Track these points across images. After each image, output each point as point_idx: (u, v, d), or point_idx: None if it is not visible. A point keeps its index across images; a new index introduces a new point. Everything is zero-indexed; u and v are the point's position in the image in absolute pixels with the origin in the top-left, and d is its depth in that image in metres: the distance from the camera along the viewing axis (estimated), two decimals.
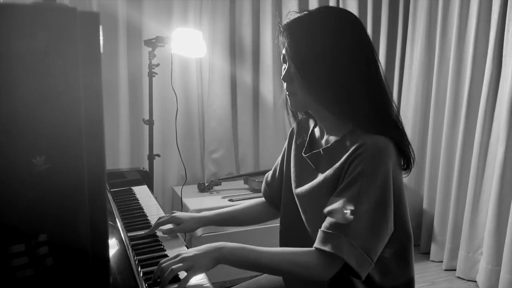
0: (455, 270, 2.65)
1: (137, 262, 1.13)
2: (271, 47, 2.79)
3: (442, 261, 2.75)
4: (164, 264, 0.96)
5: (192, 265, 0.94)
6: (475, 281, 2.54)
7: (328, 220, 0.96)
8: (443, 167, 2.72)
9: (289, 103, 1.07)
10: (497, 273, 2.38)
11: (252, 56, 2.82)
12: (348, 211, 0.93)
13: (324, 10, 1.03)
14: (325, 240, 0.94)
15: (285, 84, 1.05)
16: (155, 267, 1.10)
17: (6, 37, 0.47)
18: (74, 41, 0.47)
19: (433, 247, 2.82)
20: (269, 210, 1.36)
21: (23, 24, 0.47)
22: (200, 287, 1.01)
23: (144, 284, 0.96)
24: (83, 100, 0.52)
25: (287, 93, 1.06)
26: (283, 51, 1.03)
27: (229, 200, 2.46)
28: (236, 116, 2.85)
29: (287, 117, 1.20)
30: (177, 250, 1.21)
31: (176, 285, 0.95)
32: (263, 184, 1.36)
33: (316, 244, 0.96)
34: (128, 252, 1.11)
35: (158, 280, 0.97)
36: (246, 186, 2.70)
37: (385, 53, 3.00)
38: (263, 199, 1.37)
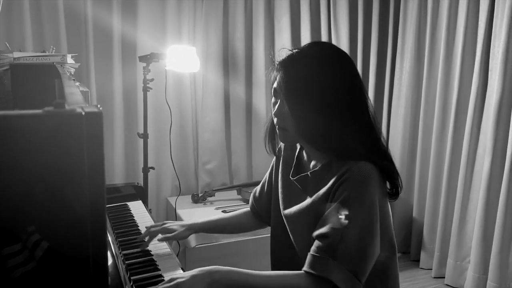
0: (444, 277, 2.71)
1: (132, 282, 1.18)
2: (264, 60, 2.84)
3: (431, 269, 2.81)
4: None
5: None
6: None
7: (317, 244, 1.00)
8: (432, 177, 2.78)
9: (279, 137, 1.11)
10: (483, 281, 2.44)
11: (245, 69, 2.87)
12: (336, 236, 0.97)
13: (317, 48, 1.08)
14: (314, 263, 0.98)
15: (275, 119, 1.08)
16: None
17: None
18: (81, 140, 0.54)
19: (422, 255, 2.88)
20: (255, 221, 1.41)
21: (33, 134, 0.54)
22: None
23: None
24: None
25: (277, 127, 1.09)
26: (275, 85, 1.06)
27: (223, 211, 2.50)
28: (229, 128, 2.90)
29: (265, 148, 1.23)
30: (171, 272, 1.26)
31: None
32: (251, 199, 1.40)
33: (305, 267, 1.00)
34: (118, 264, 1.15)
35: None
36: (239, 196, 2.75)
37: (376, 64, 3.06)
38: (248, 209, 1.43)
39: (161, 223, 1.41)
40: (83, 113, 0.53)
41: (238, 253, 2.39)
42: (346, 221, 0.97)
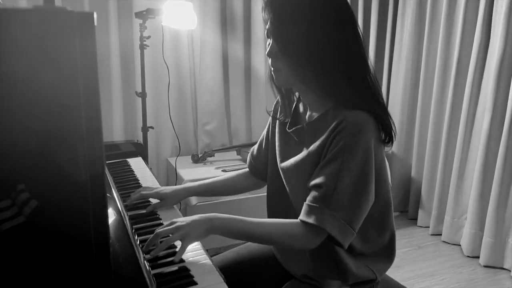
0: (441, 235, 2.76)
1: (133, 230, 1.19)
2: (262, 21, 2.78)
3: (428, 227, 2.86)
4: (159, 231, 1.01)
5: (186, 234, 0.99)
6: (459, 245, 2.66)
7: (312, 194, 1.01)
8: (431, 137, 2.78)
9: (274, 79, 1.09)
10: (479, 237, 2.49)
11: (244, 28, 2.82)
12: (331, 185, 0.97)
13: None
14: (309, 212, 0.99)
15: (270, 60, 1.06)
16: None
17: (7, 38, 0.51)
18: (71, 39, 0.52)
19: (420, 213, 2.92)
20: (252, 181, 1.40)
21: (24, 27, 0.51)
22: (195, 255, 1.06)
23: (141, 253, 1.01)
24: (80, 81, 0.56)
25: (271, 68, 1.08)
26: (267, 26, 1.04)
27: (223, 171, 2.51)
28: (228, 89, 2.88)
29: (273, 92, 1.20)
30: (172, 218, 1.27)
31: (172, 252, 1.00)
32: (249, 157, 1.40)
33: (301, 217, 1.01)
34: (125, 222, 1.16)
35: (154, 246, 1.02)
36: (239, 157, 2.75)
37: (377, 24, 3.00)
38: (245, 170, 1.42)
39: (155, 187, 1.39)
40: (74, 11, 0.51)
41: (239, 210, 2.41)
42: (341, 171, 0.97)
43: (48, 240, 0.61)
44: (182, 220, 1.03)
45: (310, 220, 0.98)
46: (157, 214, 1.32)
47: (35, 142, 0.58)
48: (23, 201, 0.59)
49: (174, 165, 2.53)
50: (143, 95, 2.30)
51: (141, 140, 2.31)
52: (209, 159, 2.73)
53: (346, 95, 1.01)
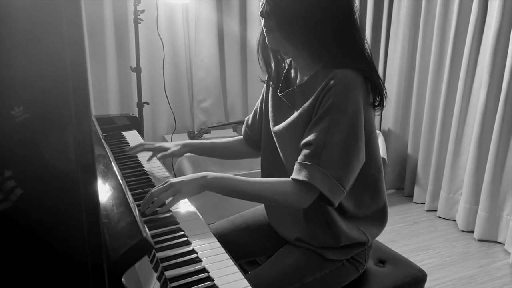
0: (436, 210, 2.78)
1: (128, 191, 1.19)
2: None
3: (424, 203, 2.88)
4: (153, 190, 1.02)
5: (179, 190, 1.01)
6: (454, 220, 2.68)
7: (303, 152, 1.02)
8: (428, 113, 2.78)
9: (266, 40, 1.09)
10: (474, 211, 2.51)
11: (239, 3, 2.79)
12: (320, 142, 0.98)
13: None
14: (300, 170, 1.00)
15: (262, 21, 1.07)
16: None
17: None
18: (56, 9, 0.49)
19: (416, 190, 2.93)
20: (248, 149, 1.42)
21: None
22: (188, 213, 1.07)
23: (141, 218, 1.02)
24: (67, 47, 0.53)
25: (264, 29, 1.08)
26: None
27: None
28: (224, 65, 2.86)
29: (259, 64, 1.20)
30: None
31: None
32: (244, 126, 1.41)
33: (292, 175, 1.02)
34: (126, 195, 1.16)
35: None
36: (235, 133, 2.75)
37: (373, 2, 2.97)
38: (241, 137, 1.43)
39: (157, 144, 1.41)
40: None
41: None
42: (330, 128, 0.97)
43: (35, 229, 0.57)
44: (175, 178, 1.05)
45: (300, 177, 0.99)
46: (151, 181, 1.32)
47: (20, 125, 0.55)
48: (10, 188, 0.57)
49: (171, 141, 2.53)
50: (137, 70, 2.29)
51: (136, 115, 2.30)
52: (205, 136, 2.72)
53: (334, 55, 1.01)
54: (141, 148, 1.37)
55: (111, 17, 2.46)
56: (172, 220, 1.07)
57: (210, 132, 2.74)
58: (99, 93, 2.50)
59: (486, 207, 2.41)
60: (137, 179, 1.35)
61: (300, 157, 1.02)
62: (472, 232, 2.52)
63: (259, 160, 1.44)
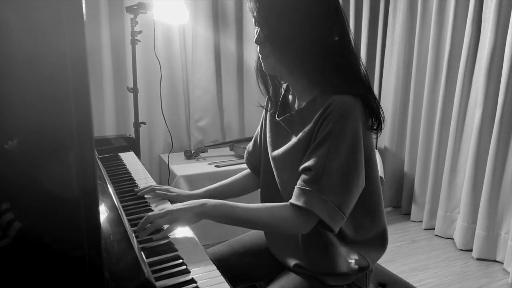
0: (434, 229, 2.77)
1: (127, 222, 1.18)
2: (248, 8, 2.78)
3: (422, 221, 2.87)
4: (150, 215, 1.01)
5: (176, 218, 1.00)
6: (452, 239, 2.67)
7: (302, 177, 1.01)
8: (424, 131, 2.79)
9: (263, 66, 1.09)
10: (472, 230, 2.50)
11: (236, 24, 2.81)
12: (320, 168, 0.97)
13: None
14: (299, 195, 0.99)
15: (258, 47, 1.07)
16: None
17: None
18: (59, 28, 0.48)
19: (413, 208, 2.93)
20: (255, 179, 1.39)
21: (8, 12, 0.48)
22: (186, 239, 1.06)
23: (137, 244, 1.01)
24: (69, 63, 0.51)
25: (260, 56, 1.08)
26: (254, 14, 1.03)
27: (216, 166, 2.51)
28: (221, 84, 2.87)
29: (258, 86, 1.20)
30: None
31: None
32: (245, 154, 1.39)
33: (291, 200, 1.01)
34: (122, 217, 1.15)
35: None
36: (232, 152, 2.75)
37: (368, 19, 3.01)
38: (248, 170, 1.41)
39: (165, 187, 1.39)
40: None
41: None
42: (330, 154, 0.97)
43: (33, 264, 0.55)
44: (172, 206, 1.03)
45: (299, 202, 0.98)
46: (149, 206, 1.31)
47: (19, 152, 0.52)
48: (8, 222, 0.55)
49: (167, 161, 2.52)
50: (134, 90, 2.29)
51: (133, 135, 2.29)
52: (202, 155, 2.72)
53: (331, 81, 1.01)
54: (150, 189, 1.35)
55: (108, 37, 2.47)
56: (170, 247, 1.05)
57: (207, 151, 2.73)
58: (95, 113, 2.50)
59: (484, 225, 2.41)
60: (134, 203, 1.33)
61: (299, 182, 1.01)
62: (471, 251, 2.51)
63: None
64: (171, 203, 1.32)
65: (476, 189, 2.46)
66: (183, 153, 2.70)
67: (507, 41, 2.21)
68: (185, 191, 1.38)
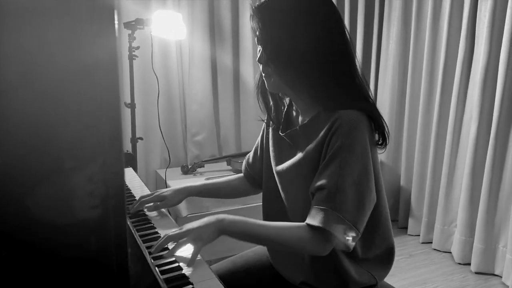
0: (431, 242, 2.77)
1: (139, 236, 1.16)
2: (251, 29, 2.80)
3: (419, 235, 2.87)
4: (171, 235, 0.99)
5: (198, 237, 0.98)
6: (450, 252, 2.67)
7: (316, 196, 1.00)
8: (420, 145, 2.81)
9: (266, 85, 1.09)
10: (470, 243, 2.50)
11: (232, 39, 2.83)
12: (333, 186, 0.96)
13: None
14: (314, 214, 0.98)
15: (261, 66, 1.07)
16: (151, 243, 1.14)
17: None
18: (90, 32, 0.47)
19: (410, 222, 2.93)
20: (248, 187, 1.40)
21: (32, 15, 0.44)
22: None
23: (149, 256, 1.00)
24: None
25: (263, 74, 1.08)
26: (256, 34, 1.04)
27: (206, 179, 2.49)
28: (217, 99, 2.87)
29: (259, 104, 1.20)
30: (167, 229, 1.25)
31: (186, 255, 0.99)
32: (244, 165, 1.39)
33: (307, 220, 0.99)
34: (132, 230, 1.13)
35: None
36: (229, 167, 2.73)
37: (363, 33, 3.05)
38: (241, 174, 1.41)
39: (153, 192, 1.38)
40: None
41: None
42: (341, 170, 0.96)
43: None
44: (191, 224, 1.02)
45: (316, 222, 0.96)
46: (151, 223, 1.29)
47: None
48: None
49: (164, 177, 2.50)
50: (132, 105, 2.28)
51: (130, 151, 2.27)
52: (199, 170, 2.70)
53: (335, 97, 1.01)
54: (140, 204, 1.33)
55: None
56: (175, 266, 1.03)
57: (203, 166, 2.72)
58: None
59: (481, 239, 2.41)
60: (135, 220, 1.31)
61: (314, 201, 0.99)
62: (469, 264, 2.51)
63: (254, 195, 1.44)
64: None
65: (473, 202, 2.47)
66: (180, 168, 2.68)
67: (500, 56, 2.24)
68: (175, 187, 1.36)
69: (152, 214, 1.37)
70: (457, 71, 2.51)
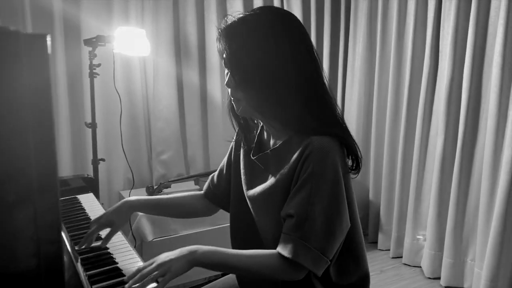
0: (402, 257, 2.77)
1: (87, 277, 1.07)
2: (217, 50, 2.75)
3: (389, 250, 2.87)
4: (142, 272, 0.93)
5: (169, 269, 0.93)
6: (420, 267, 2.68)
7: (285, 224, 0.98)
8: (387, 159, 2.82)
9: (235, 109, 1.06)
10: (439, 258, 2.52)
11: (198, 55, 2.77)
12: (302, 214, 0.94)
13: (260, 13, 0.99)
14: (285, 244, 0.96)
15: (229, 90, 1.03)
16: (109, 282, 1.05)
17: None
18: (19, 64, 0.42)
19: (380, 237, 2.93)
20: (208, 207, 1.33)
21: None
22: None
23: None
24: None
25: (232, 98, 1.05)
26: (223, 56, 1.00)
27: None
28: (184, 116, 2.79)
29: (232, 123, 1.17)
30: (129, 261, 1.17)
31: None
32: (208, 184, 1.33)
33: (278, 248, 0.97)
34: (75, 265, 1.05)
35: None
36: (197, 187, 2.65)
37: (329, 50, 3.06)
38: (198, 193, 1.35)
39: (92, 221, 1.25)
40: (21, 32, 0.42)
41: (199, 244, 2.30)
42: (311, 198, 0.94)
43: None
44: (163, 256, 0.96)
45: (285, 253, 0.95)
46: (112, 257, 1.20)
47: None
48: None
49: None
50: (93, 125, 2.17)
51: (91, 173, 2.16)
52: (165, 190, 2.60)
53: (306, 123, 0.98)
54: (89, 241, 1.22)
55: (64, 71, 2.36)
56: None
57: (170, 187, 2.62)
58: None
59: (450, 253, 2.43)
60: (95, 255, 1.22)
61: (284, 228, 0.98)
62: (439, 278, 2.52)
63: (223, 216, 1.36)
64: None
65: (441, 217, 2.49)
66: (145, 189, 2.58)
67: (464, 71, 2.29)
68: (119, 206, 1.23)
69: (114, 245, 1.28)
70: (423, 86, 2.55)
